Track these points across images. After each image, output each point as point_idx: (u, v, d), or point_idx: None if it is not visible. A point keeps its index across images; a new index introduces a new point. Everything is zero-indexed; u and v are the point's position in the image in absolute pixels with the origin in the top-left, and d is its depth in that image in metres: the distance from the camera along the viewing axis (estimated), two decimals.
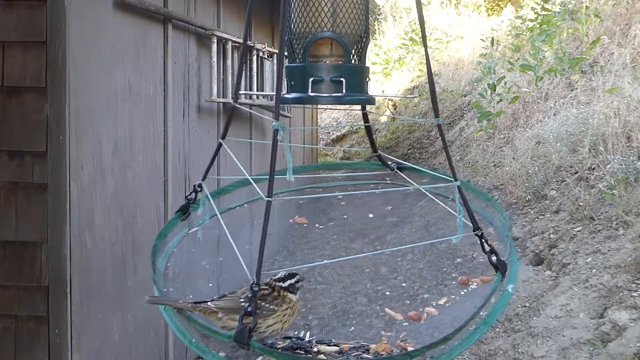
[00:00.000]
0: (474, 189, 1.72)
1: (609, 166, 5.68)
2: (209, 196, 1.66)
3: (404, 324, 1.73)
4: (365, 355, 1.62)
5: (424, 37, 1.58)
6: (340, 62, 1.50)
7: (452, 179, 1.51)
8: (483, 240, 1.48)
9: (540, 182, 6.56)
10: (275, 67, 6.02)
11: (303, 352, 1.63)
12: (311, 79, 1.46)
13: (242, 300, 1.45)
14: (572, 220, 5.69)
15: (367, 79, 1.53)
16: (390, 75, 12.97)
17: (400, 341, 1.66)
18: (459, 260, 1.76)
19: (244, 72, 5.54)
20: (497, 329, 4.89)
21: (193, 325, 1.39)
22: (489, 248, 1.47)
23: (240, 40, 5.13)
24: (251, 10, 1.65)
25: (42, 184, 3.07)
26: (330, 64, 1.49)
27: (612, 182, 5.47)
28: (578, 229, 5.52)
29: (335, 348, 1.67)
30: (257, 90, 5.80)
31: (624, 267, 4.64)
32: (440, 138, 1.56)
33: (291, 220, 1.92)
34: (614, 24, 7.54)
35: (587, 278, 4.83)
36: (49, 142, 3.07)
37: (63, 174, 3.08)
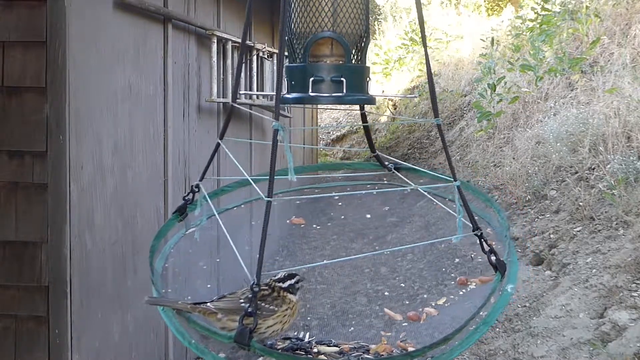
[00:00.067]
0: (472, 188, 1.72)
1: (609, 166, 5.68)
2: (207, 197, 1.66)
3: (403, 324, 1.73)
4: (365, 355, 1.62)
5: (423, 37, 1.58)
6: (340, 62, 1.50)
7: (450, 179, 1.51)
8: (482, 240, 1.48)
9: (540, 182, 6.56)
10: (275, 67, 6.02)
11: (303, 353, 1.63)
12: (311, 79, 1.46)
13: (241, 301, 1.45)
14: (572, 220, 5.69)
15: (368, 78, 1.53)
16: (390, 75, 12.97)
17: (400, 341, 1.66)
18: (457, 260, 1.77)
19: (244, 72, 5.54)
20: (497, 329, 4.89)
21: (193, 327, 1.38)
22: (489, 248, 1.47)
23: (240, 40, 5.13)
24: (250, 10, 1.65)
25: (42, 184, 3.07)
26: (330, 64, 1.49)
27: (612, 182, 5.47)
28: (578, 229, 5.52)
29: (336, 349, 1.66)
30: (257, 90, 5.80)
31: (624, 267, 4.64)
32: (440, 138, 1.56)
33: (288, 221, 1.91)
34: (614, 24, 7.54)
35: (587, 278, 4.83)
36: (49, 142, 3.07)
37: (63, 174, 3.08)
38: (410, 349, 1.59)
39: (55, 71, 3.06)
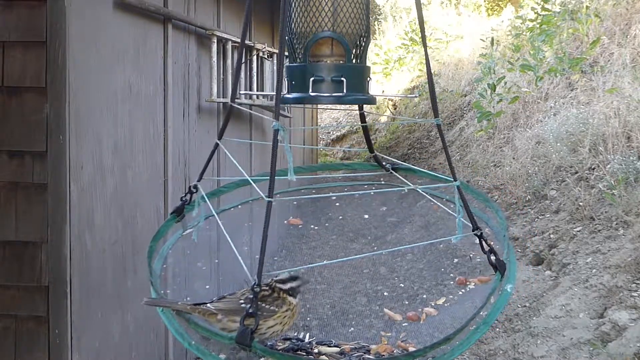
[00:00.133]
0: (470, 189, 1.72)
1: (609, 166, 5.68)
2: (205, 197, 1.66)
3: (403, 324, 1.73)
4: (366, 356, 1.61)
5: (423, 37, 1.58)
6: (341, 62, 1.50)
7: (448, 179, 1.51)
8: (482, 239, 1.48)
9: (540, 182, 6.56)
10: (275, 67, 6.02)
11: (304, 354, 1.63)
12: (312, 79, 1.46)
13: (241, 301, 1.44)
14: (572, 220, 5.69)
15: (368, 78, 1.53)
16: (390, 75, 12.96)
17: (401, 341, 1.65)
18: (456, 260, 1.77)
19: (243, 72, 5.54)
20: (497, 329, 4.89)
21: (193, 328, 1.38)
22: (488, 248, 1.47)
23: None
24: (249, 10, 1.64)
25: (42, 184, 3.07)
26: (331, 64, 1.49)
27: (612, 182, 5.47)
28: (578, 229, 5.52)
29: (336, 349, 1.66)
30: (257, 90, 5.80)
31: (624, 267, 4.64)
32: (440, 138, 1.56)
33: (286, 222, 1.91)
34: (614, 24, 7.54)
35: (587, 278, 4.83)
36: (49, 142, 3.07)
37: (63, 174, 3.07)
38: (411, 349, 1.59)
39: (55, 71, 3.06)
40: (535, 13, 7.17)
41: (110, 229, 3.50)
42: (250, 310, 1.27)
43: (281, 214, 1.95)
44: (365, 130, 1.83)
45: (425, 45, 1.59)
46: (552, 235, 5.75)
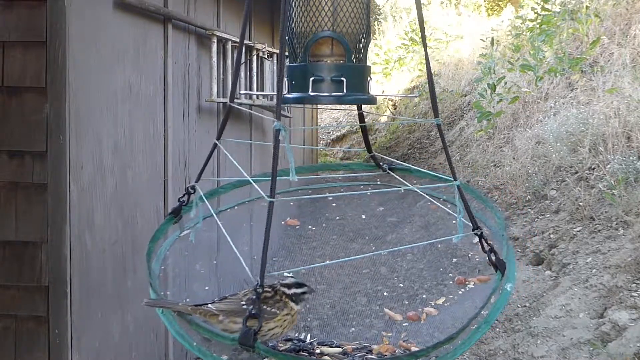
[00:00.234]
0: (468, 188, 1.72)
1: (609, 166, 5.68)
2: (204, 197, 1.65)
3: (404, 324, 1.73)
4: (369, 356, 1.61)
5: (423, 37, 1.58)
6: (341, 62, 1.50)
7: (448, 178, 1.51)
8: (482, 239, 1.48)
9: (540, 182, 6.56)
10: (275, 67, 6.02)
11: (306, 354, 1.62)
12: (312, 79, 1.46)
13: (243, 302, 1.43)
14: (572, 220, 5.69)
15: (368, 78, 1.53)
16: (390, 75, 12.96)
17: (403, 341, 1.65)
18: (455, 260, 1.77)
19: (244, 72, 5.54)
20: (497, 329, 4.88)
21: (195, 329, 1.38)
22: (489, 247, 1.47)
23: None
24: (248, 10, 1.64)
25: (42, 184, 3.07)
26: (331, 64, 1.49)
27: (612, 182, 5.47)
28: (578, 229, 5.52)
29: (338, 349, 1.66)
30: (257, 90, 5.80)
31: (624, 267, 4.64)
32: (440, 138, 1.56)
33: (283, 222, 1.91)
34: (614, 24, 7.54)
35: (587, 278, 4.83)
36: (49, 142, 3.07)
37: (63, 174, 3.07)
38: (413, 348, 1.59)
39: (55, 71, 3.06)
40: (535, 13, 7.16)
41: (110, 229, 3.50)
42: (254, 312, 1.26)
43: (279, 215, 1.95)
44: (364, 130, 1.83)
45: (425, 45, 1.58)
46: (552, 235, 5.75)
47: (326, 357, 1.62)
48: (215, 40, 4.80)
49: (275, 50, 6.01)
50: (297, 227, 1.94)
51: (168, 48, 4.17)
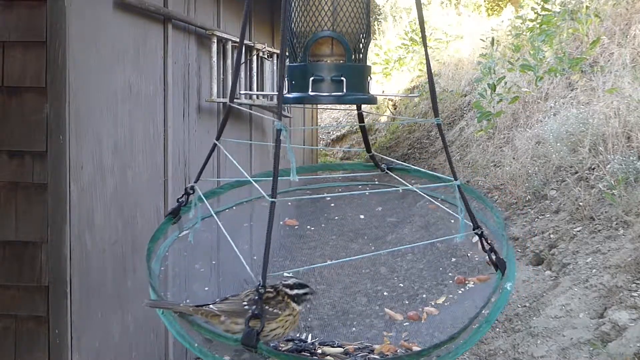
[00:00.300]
0: (467, 188, 1.72)
1: (609, 166, 5.68)
2: (203, 197, 1.65)
3: (404, 324, 1.73)
4: (371, 355, 1.61)
5: (423, 37, 1.58)
6: (341, 61, 1.50)
7: (446, 178, 1.51)
8: (483, 238, 1.48)
9: (540, 182, 6.56)
10: (275, 67, 6.01)
11: (308, 354, 1.62)
12: (312, 79, 1.45)
13: (245, 303, 1.43)
14: (572, 220, 5.69)
15: (369, 78, 1.53)
16: (390, 75, 12.96)
17: (404, 341, 1.65)
18: (454, 259, 1.77)
19: (244, 72, 5.54)
20: (497, 329, 4.88)
21: (197, 330, 1.38)
22: (489, 246, 1.47)
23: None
24: (248, 10, 1.64)
25: (42, 184, 3.07)
26: (331, 63, 1.49)
27: (612, 182, 5.47)
28: (578, 229, 5.52)
29: (340, 349, 1.66)
30: (257, 90, 5.80)
31: (624, 267, 4.64)
32: (440, 138, 1.56)
33: (281, 222, 1.90)
34: (614, 24, 7.54)
35: (587, 278, 4.83)
36: (49, 142, 3.07)
37: (63, 174, 3.07)
38: (415, 348, 1.59)
39: (55, 71, 3.06)
40: (535, 13, 7.16)
41: (110, 229, 3.50)
42: (256, 312, 1.26)
43: (278, 215, 1.94)
44: (363, 130, 1.83)
45: (425, 45, 1.58)
46: (552, 235, 5.75)
47: (328, 357, 1.61)
48: (215, 40, 4.80)
49: (275, 50, 6.01)
50: (296, 227, 1.94)
51: (168, 48, 4.17)
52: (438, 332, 1.59)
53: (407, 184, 1.70)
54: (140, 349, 3.81)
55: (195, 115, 4.67)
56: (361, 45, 1.52)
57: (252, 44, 5.65)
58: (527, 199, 6.60)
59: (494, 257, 1.45)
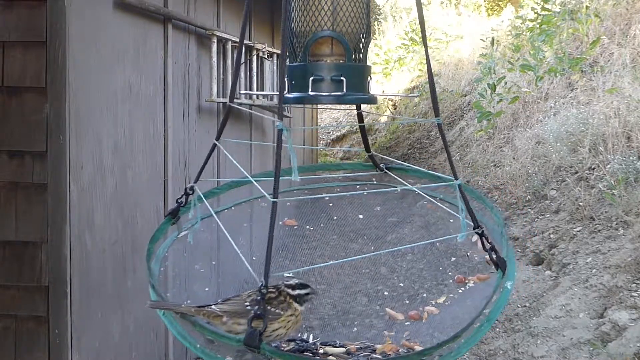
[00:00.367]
0: (468, 188, 1.72)
1: (609, 166, 5.68)
2: (203, 197, 1.65)
3: (405, 323, 1.73)
4: (373, 355, 1.61)
5: (424, 37, 1.58)
6: (341, 61, 1.50)
7: (446, 178, 1.51)
8: (483, 237, 1.48)
9: (540, 182, 6.56)
10: (275, 67, 6.01)
11: (310, 354, 1.62)
12: (312, 78, 1.45)
13: (247, 303, 1.42)
14: (572, 220, 5.69)
15: (368, 78, 1.53)
16: (390, 75, 12.96)
17: (406, 340, 1.65)
18: (454, 259, 1.76)
19: (244, 72, 5.54)
20: (497, 329, 4.88)
21: (199, 330, 1.37)
22: (489, 246, 1.47)
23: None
24: (248, 10, 1.64)
25: (42, 184, 3.07)
26: (331, 63, 1.49)
27: (612, 182, 5.47)
28: (578, 229, 5.52)
29: (342, 349, 1.65)
30: (257, 90, 5.80)
31: (624, 267, 4.64)
32: (440, 138, 1.55)
33: (281, 223, 1.90)
34: (614, 24, 7.54)
35: (587, 278, 4.83)
36: (49, 142, 3.07)
37: (63, 174, 3.07)
38: (417, 347, 1.58)
39: (55, 71, 3.06)
40: (535, 13, 7.16)
41: (110, 229, 3.50)
42: (259, 312, 1.26)
43: (277, 215, 1.93)
44: (363, 130, 1.82)
45: (425, 45, 1.58)
46: (552, 235, 5.75)
47: (331, 357, 1.61)
48: (215, 40, 4.80)
49: (275, 50, 6.01)
50: (295, 227, 1.94)
51: (168, 48, 4.17)
52: (438, 332, 1.59)
53: (407, 184, 1.70)
54: (140, 349, 3.80)
55: (195, 115, 4.67)
56: (361, 45, 1.52)
57: (252, 44, 5.65)
58: (527, 199, 6.60)
59: (494, 256, 1.45)
